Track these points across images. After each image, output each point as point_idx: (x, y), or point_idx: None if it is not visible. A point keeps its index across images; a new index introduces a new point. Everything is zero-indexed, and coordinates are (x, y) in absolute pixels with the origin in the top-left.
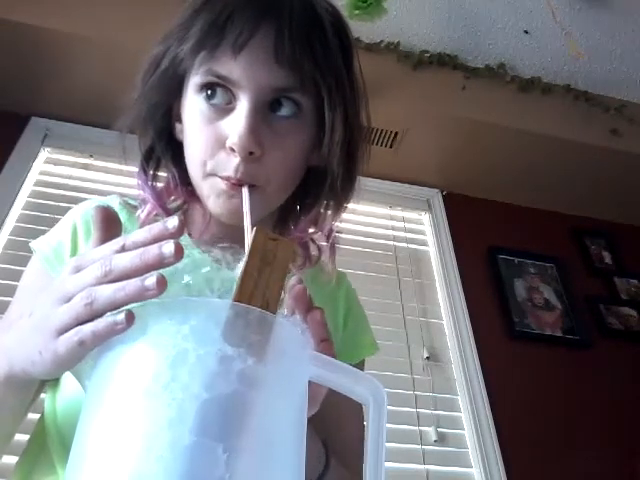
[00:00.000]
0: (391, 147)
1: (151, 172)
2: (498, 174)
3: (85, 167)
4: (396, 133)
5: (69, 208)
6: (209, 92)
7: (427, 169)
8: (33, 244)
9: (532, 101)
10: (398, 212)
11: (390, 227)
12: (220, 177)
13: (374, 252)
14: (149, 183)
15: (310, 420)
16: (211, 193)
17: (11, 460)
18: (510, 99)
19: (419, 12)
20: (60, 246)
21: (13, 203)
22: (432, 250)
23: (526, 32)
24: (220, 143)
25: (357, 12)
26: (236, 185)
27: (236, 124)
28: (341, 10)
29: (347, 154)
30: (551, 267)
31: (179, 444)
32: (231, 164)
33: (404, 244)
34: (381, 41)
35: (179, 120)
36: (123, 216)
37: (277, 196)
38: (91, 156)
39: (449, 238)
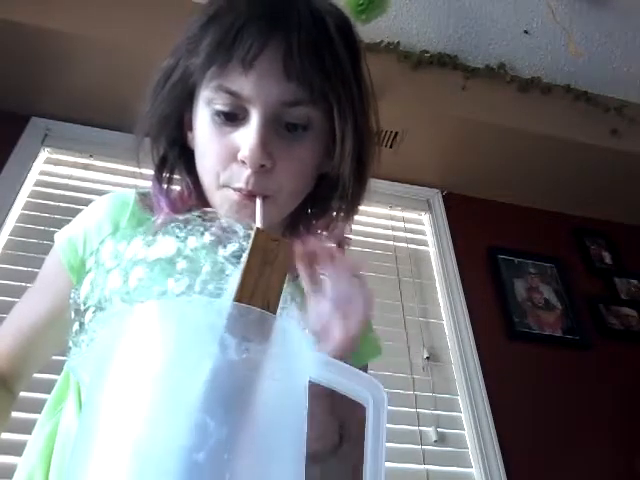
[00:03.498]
0: (391, 147)
1: (165, 181)
2: (498, 174)
3: (85, 167)
4: (396, 133)
5: (69, 208)
6: (220, 107)
7: (427, 169)
8: (57, 233)
9: (532, 101)
10: (398, 212)
11: (390, 227)
12: (232, 188)
13: (374, 252)
14: (164, 192)
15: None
16: (224, 204)
17: (11, 460)
18: (510, 99)
19: (419, 12)
20: (75, 237)
21: (13, 203)
22: (432, 250)
23: (526, 32)
24: (232, 156)
25: (364, 17)
26: (248, 196)
27: (247, 137)
28: (348, 14)
29: (358, 162)
30: (551, 267)
31: (179, 433)
32: (243, 176)
33: (404, 244)
34: (381, 41)
35: (191, 129)
36: (135, 211)
37: (288, 205)
38: (91, 156)
39: (449, 238)
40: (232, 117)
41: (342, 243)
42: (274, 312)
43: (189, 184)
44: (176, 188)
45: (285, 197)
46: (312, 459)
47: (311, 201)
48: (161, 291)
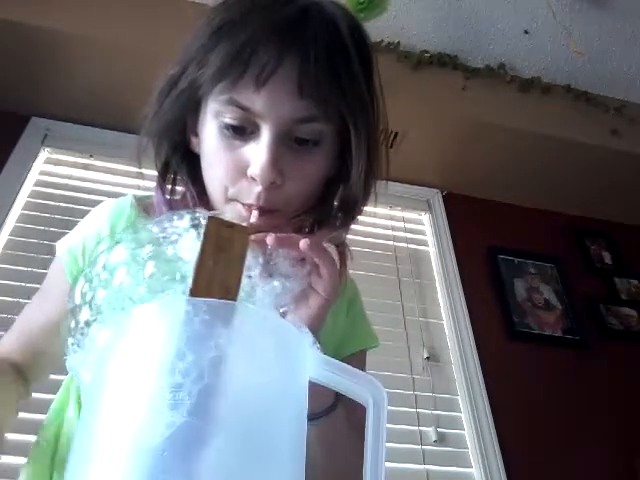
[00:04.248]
0: (391, 147)
1: (169, 182)
2: (498, 174)
3: (85, 167)
4: (396, 133)
5: (69, 208)
6: (229, 121)
7: (427, 169)
8: (58, 242)
9: (532, 101)
10: (398, 212)
11: (390, 227)
12: (242, 204)
13: (374, 252)
14: (167, 201)
15: None
16: (234, 218)
17: (11, 460)
18: (510, 99)
19: (419, 12)
20: (75, 248)
21: (13, 203)
22: (432, 250)
23: (526, 32)
24: (241, 170)
25: (363, 15)
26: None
27: (258, 154)
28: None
29: (368, 175)
30: (551, 267)
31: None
32: (253, 192)
33: (404, 244)
34: (381, 41)
35: (195, 133)
36: (131, 215)
37: (295, 216)
38: (91, 156)
39: (449, 238)
40: (242, 131)
41: (341, 246)
42: (234, 298)
43: (193, 195)
44: (179, 189)
45: (294, 210)
46: (310, 417)
47: (315, 209)
48: (141, 277)
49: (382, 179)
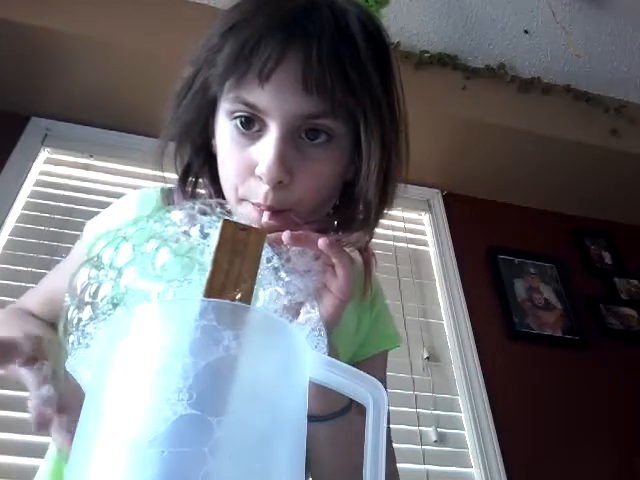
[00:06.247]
0: None
1: (190, 185)
2: (498, 174)
3: (85, 167)
4: None
5: (69, 208)
6: (238, 119)
7: (427, 169)
8: (87, 223)
9: (532, 101)
10: (398, 212)
11: (390, 227)
12: (252, 203)
13: (374, 252)
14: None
15: None
16: (245, 218)
17: (11, 460)
18: (510, 99)
19: (419, 12)
20: (99, 234)
21: (13, 203)
22: (432, 250)
23: (526, 32)
24: (250, 170)
25: None
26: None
27: (265, 153)
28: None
29: (384, 178)
30: (551, 267)
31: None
32: (261, 191)
33: (404, 244)
34: None
35: (214, 135)
36: (155, 208)
37: (312, 216)
38: (91, 156)
39: (449, 238)
40: (251, 130)
41: (366, 253)
42: (248, 302)
43: (212, 194)
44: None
45: (307, 210)
46: (321, 419)
47: (337, 212)
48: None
49: (401, 181)
